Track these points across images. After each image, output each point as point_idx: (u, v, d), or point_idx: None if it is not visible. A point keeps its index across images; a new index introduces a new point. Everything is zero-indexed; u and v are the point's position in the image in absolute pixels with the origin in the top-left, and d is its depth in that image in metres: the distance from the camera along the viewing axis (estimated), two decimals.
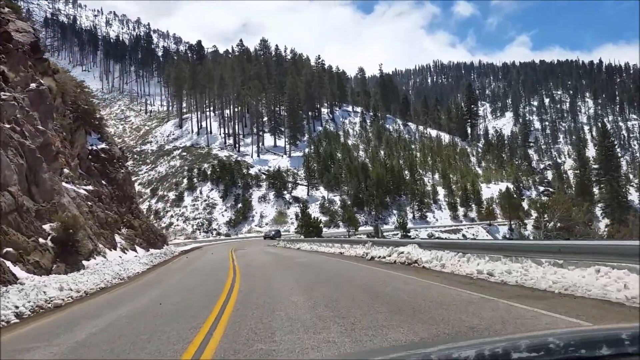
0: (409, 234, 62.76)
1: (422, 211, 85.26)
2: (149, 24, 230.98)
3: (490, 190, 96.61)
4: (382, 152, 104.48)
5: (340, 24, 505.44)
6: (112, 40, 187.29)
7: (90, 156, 26.58)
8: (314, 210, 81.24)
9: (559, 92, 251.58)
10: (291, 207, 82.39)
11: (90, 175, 25.10)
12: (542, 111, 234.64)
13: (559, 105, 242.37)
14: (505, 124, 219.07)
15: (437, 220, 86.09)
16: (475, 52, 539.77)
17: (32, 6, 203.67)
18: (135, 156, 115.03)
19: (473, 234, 75.52)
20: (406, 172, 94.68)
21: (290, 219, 79.27)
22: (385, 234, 65.30)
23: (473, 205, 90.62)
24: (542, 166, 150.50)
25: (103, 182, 26.43)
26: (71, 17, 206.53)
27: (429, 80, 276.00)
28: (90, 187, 23.65)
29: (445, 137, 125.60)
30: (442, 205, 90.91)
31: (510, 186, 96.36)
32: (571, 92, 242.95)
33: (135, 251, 23.24)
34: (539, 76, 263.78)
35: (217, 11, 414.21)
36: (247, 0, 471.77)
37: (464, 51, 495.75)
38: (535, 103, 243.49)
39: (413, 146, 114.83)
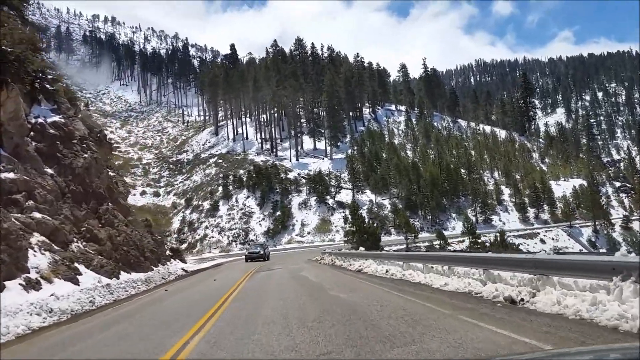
0: (478, 240, 50.83)
1: (487, 214, 72.71)
2: (186, 39, 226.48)
3: (560, 188, 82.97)
4: (431, 151, 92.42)
5: (377, 29, 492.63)
6: (148, 54, 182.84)
7: (32, 132, 16.70)
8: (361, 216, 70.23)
9: (612, 85, 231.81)
10: (335, 214, 71.62)
11: (21, 158, 15.13)
12: (596, 105, 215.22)
13: (613, 99, 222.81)
14: (557, 120, 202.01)
15: (504, 223, 73.35)
16: (517, 50, 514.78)
17: (72, 26, 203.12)
18: (171, 166, 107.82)
19: (553, 238, 62.55)
20: (462, 171, 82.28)
21: (335, 226, 68.46)
22: (450, 240, 53.62)
23: (545, 205, 77.26)
24: (605, 161, 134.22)
25: (48, 169, 16.46)
26: (109, 34, 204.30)
27: (472, 80, 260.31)
28: (11, 175, 13.65)
29: (501, 133, 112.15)
30: (508, 207, 78.05)
31: (584, 183, 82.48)
32: (626, 84, 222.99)
33: (75, 281, 12.96)
34: (589, 70, 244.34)
35: (253, 24, 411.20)
36: (283, 12, 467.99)
37: (505, 49, 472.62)
38: (588, 97, 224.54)
39: (466, 144, 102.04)
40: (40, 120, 17.25)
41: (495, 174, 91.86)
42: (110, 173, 24.18)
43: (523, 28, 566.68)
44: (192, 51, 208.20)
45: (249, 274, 19.72)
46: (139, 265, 18.51)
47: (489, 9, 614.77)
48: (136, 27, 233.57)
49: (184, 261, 32.79)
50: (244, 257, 38.96)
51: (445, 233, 57.81)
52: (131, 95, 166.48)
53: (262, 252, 37.49)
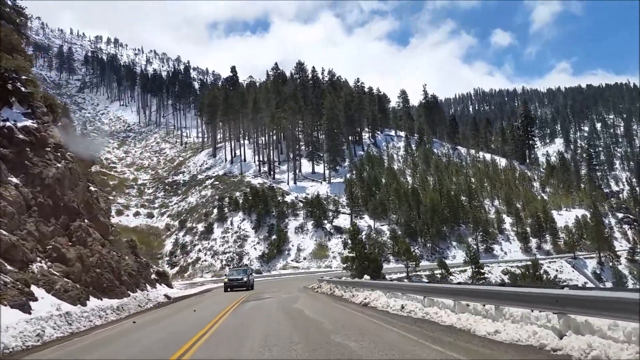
0: (482, 270, 48.64)
1: (488, 243, 70.50)
2: (188, 62, 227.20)
3: (562, 218, 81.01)
4: (431, 178, 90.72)
5: (377, 57, 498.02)
6: (149, 75, 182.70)
7: None
8: None
9: (611, 117, 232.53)
10: (332, 239, 69.37)
11: None
12: (594, 136, 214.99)
13: (612, 130, 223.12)
14: (556, 150, 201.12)
15: (505, 253, 71.22)
16: (515, 80, 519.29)
17: (75, 46, 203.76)
18: (167, 187, 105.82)
19: (557, 270, 60.26)
20: (462, 198, 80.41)
21: (332, 252, 66.12)
22: (452, 270, 51.37)
23: (547, 235, 75.16)
24: (606, 192, 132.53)
25: (13, 178, 14.51)
26: (111, 55, 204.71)
27: (471, 108, 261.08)
28: None
29: (501, 161, 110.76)
30: (509, 236, 75.87)
31: (586, 213, 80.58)
32: (625, 115, 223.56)
33: (26, 308, 10.83)
34: (588, 101, 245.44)
35: (255, 49, 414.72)
36: (285, 38, 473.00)
37: (503, 79, 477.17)
38: (586, 128, 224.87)
39: (466, 171, 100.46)
40: (8, 124, 15.39)
41: (496, 202, 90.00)
42: (91, 188, 22.21)
43: (521, 59, 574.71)
44: (193, 74, 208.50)
45: (234, 304, 17.54)
46: (113, 291, 16.37)
47: (488, 39, 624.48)
48: (138, 49, 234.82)
49: (170, 286, 30.53)
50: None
51: (446, 262, 55.57)
52: (130, 116, 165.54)
53: (245, 279, 30.60)
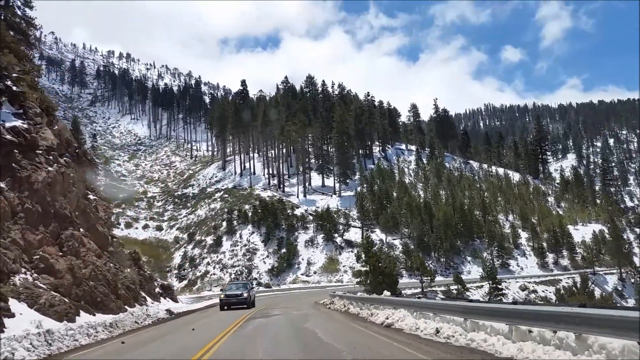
0: (499, 286, 46.57)
1: (503, 258, 68.23)
2: (199, 76, 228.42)
3: (579, 233, 78.58)
4: (443, 192, 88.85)
5: (387, 72, 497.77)
6: (161, 90, 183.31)
7: None
8: None
9: (623, 132, 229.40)
10: (343, 252, 67.59)
11: None
12: (607, 152, 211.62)
13: (625, 145, 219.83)
14: (568, 166, 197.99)
15: (521, 268, 68.92)
16: (525, 95, 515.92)
17: (87, 61, 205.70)
18: (176, 200, 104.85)
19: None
20: (476, 212, 78.33)
21: (343, 266, 64.31)
22: (469, 285, 49.30)
23: (564, 250, 72.75)
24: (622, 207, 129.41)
25: None
26: (123, 69, 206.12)
27: (481, 124, 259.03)
28: None
29: (515, 176, 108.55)
30: (525, 251, 73.56)
31: (604, 228, 78.11)
32: (637, 131, 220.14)
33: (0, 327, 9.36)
34: (600, 116, 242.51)
35: (265, 65, 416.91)
36: (295, 54, 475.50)
37: (513, 94, 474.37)
38: (599, 144, 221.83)
39: (478, 185, 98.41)
40: None
41: (510, 217, 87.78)
42: (90, 196, 20.88)
43: (532, 75, 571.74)
44: (204, 88, 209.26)
45: (238, 322, 15.96)
46: (107, 305, 14.87)
47: (498, 55, 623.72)
48: (150, 64, 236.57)
49: (175, 300, 29.01)
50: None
51: (461, 277, 53.45)
52: (141, 130, 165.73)
53: (244, 294, 25.64)
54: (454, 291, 46.44)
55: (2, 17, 30.74)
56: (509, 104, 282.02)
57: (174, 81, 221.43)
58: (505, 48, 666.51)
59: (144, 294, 23.06)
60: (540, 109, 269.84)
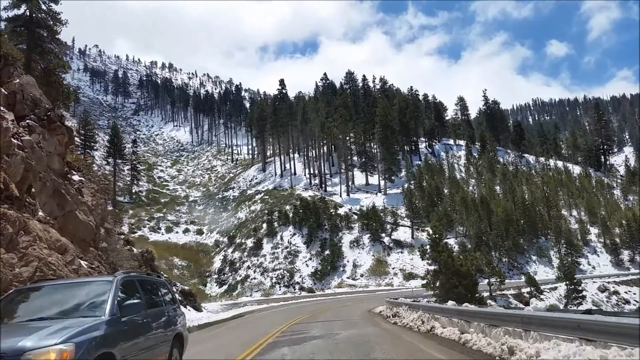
0: (578, 287, 39.17)
1: (573, 256, 60.01)
2: (240, 83, 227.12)
3: None
4: (497, 187, 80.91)
5: (428, 72, 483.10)
6: (201, 96, 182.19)
7: None
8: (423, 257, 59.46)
9: None
10: (392, 253, 61.29)
11: None
12: None
13: None
14: (625, 160, 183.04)
15: (593, 267, 60.52)
16: (573, 89, 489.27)
17: (130, 72, 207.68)
18: (217, 203, 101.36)
19: None
20: (537, 208, 70.19)
21: (393, 268, 58.01)
22: (542, 286, 42.04)
23: None
24: None
25: None
26: (166, 79, 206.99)
27: (530, 119, 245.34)
28: None
29: (575, 169, 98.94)
30: (596, 248, 64.95)
31: None
32: None
33: None
34: None
35: (304, 70, 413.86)
36: (334, 58, 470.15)
37: (560, 89, 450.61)
38: None
39: (536, 179, 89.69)
40: None
41: (574, 212, 78.93)
42: (75, 177, 15.93)
43: (579, 68, 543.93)
44: (244, 94, 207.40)
45: (262, 343, 10.54)
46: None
47: (543, 50, 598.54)
48: (192, 73, 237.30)
49: (197, 308, 23.85)
50: (281, 303, 28.79)
51: (537, 278, 46.08)
52: (183, 136, 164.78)
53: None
54: (526, 294, 39.44)
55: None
56: (558, 97, 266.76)
57: (215, 89, 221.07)
58: (550, 42, 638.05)
59: None
60: (592, 101, 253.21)
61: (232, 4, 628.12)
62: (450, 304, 12.03)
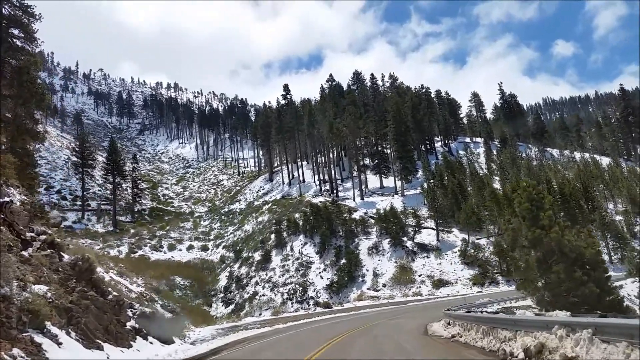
0: None
1: (622, 250, 51.68)
2: (245, 99, 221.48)
3: None
4: (523, 182, 72.62)
5: (434, 78, 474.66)
6: (206, 112, 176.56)
7: None
8: (453, 261, 51.51)
9: None
10: (417, 259, 53.38)
11: None
12: None
13: None
14: None
15: None
16: (581, 87, 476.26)
17: (136, 93, 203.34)
18: (222, 217, 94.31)
19: None
20: (574, 201, 62.00)
21: (419, 275, 50.10)
22: (616, 283, 33.83)
23: None
24: None
25: None
26: (170, 97, 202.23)
27: (542, 118, 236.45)
28: None
29: (603, 160, 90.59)
30: None
31: None
32: None
33: None
34: None
35: (310, 84, 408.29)
36: (338, 70, 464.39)
37: (568, 86, 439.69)
38: None
39: (563, 172, 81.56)
40: None
41: (610, 205, 70.68)
42: None
43: (586, 67, 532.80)
44: (249, 108, 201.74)
45: None
46: None
47: (549, 51, 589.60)
48: (197, 92, 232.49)
49: (166, 341, 16.31)
50: (289, 324, 20.88)
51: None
52: (189, 152, 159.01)
53: None
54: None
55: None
56: (569, 95, 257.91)
57: (220, 106, 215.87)
58: (556, 43, 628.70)
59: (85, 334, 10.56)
60: (604, 97, 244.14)
61: (236, 23, 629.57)
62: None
